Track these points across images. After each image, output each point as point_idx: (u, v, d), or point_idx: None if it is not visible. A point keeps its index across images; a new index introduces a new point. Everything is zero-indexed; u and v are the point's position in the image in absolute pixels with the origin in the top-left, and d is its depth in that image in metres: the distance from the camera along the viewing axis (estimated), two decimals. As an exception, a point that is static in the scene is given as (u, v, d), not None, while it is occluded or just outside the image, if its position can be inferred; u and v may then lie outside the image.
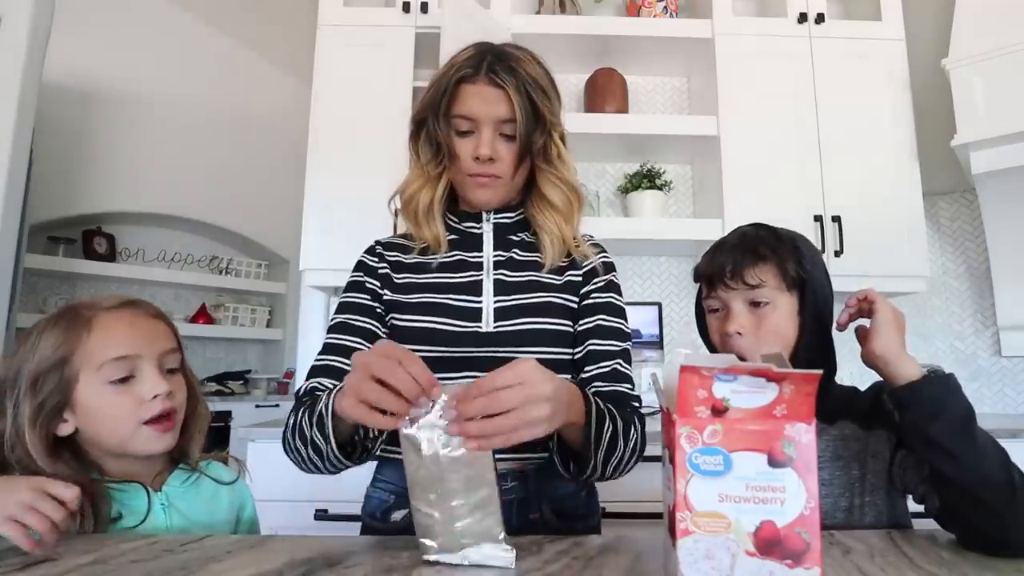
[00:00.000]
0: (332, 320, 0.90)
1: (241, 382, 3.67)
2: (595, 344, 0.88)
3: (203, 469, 0.87)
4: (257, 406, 3.36)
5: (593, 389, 0.85)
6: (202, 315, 3.60)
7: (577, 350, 0.89)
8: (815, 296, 0.85)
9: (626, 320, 0.92)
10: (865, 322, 0.78)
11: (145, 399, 0.77)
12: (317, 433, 0.72)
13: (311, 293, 2.24)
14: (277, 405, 3.44)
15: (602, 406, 0.75)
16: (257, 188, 3.74)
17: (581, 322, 0.90)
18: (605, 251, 0.97)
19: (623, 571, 0.58)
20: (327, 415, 0.70)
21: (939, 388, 0.69)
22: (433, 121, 0.87)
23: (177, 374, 0.84)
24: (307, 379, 0.86)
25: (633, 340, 2.22)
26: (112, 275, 3.25)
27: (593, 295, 0.91)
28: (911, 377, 0.70)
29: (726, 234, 0.93)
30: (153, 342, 0.80)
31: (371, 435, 0.77)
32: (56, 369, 0.75)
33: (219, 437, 2.95)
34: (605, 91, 2.26)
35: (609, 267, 0.95)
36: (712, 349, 0.93)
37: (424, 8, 2.10)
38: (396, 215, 1.66)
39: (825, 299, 0.87)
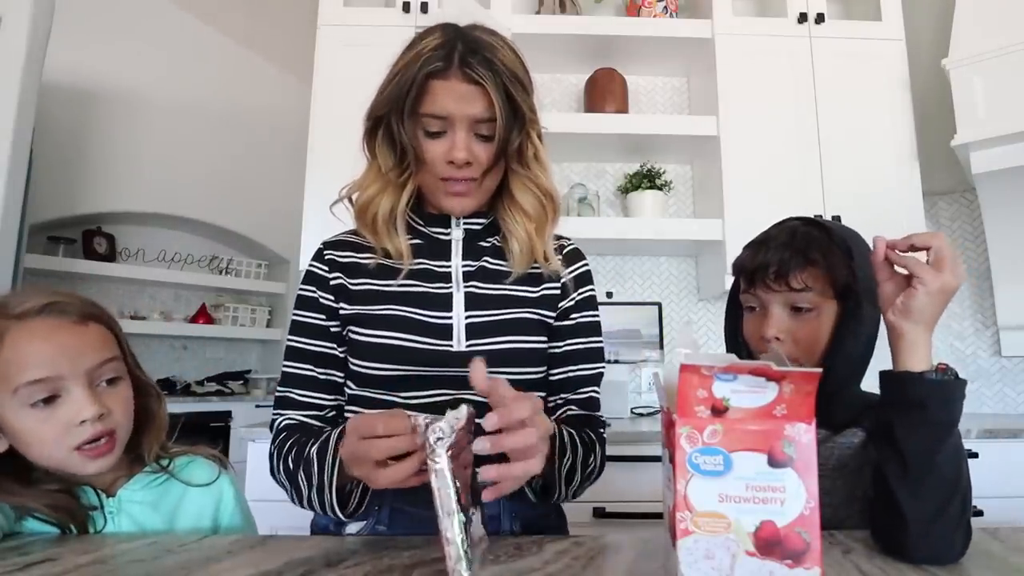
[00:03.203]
0: (287, 341, 0.85)
1: (241, 382, 3.67)
2: (573, 370, 0.86)
3: (175, 471, 0.78)
4: (257, 406, 3.35)
5: (567, 412, 0.86)
6: (202, 315, 3.60)
7: (554, 373, 0.86)
8: (862, 304, 0.77)
9: (601, 334, 0.90)
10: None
11: (72, 423, 0.68)
12: (316, 496, 0.72)
13: (311, 293, 2.24)
14: (277, 405, 3.43)
15: (565, 440, 0.74)
16: (257, 188, 3.74)
17: (559, 344, 0.86)
18: (583, 256, 0.91)
19: (623, 571, 0.58)
20: (330, 491, 0.70)
21: (927, 389, 0.62)
22: (397, 121, 0.77)
23: (118, 384, 0.74)
24: (275, 409, 0.84)
25: (632, 340, 2.25)
26: (112, 275, 3.25)
27: (572, 315, 0.87)
28: (912, 366, 0.64)
29: (771, 226, 0.86)
30: (78, 358, 0.69)
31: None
32: None
33: (219, 437, 2.96)
34: (605, 91, 2.26)
35: (587, 278, 0.90)
36: (737, 346, 0.88)
37: (424, 8, 2.10)
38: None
39: (875, 306, 0.79)
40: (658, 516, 0.52)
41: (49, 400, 0.68)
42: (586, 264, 0.91)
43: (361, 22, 2.13)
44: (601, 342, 0.90)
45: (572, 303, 0.87)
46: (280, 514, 1.53)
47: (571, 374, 0.86)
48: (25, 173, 1.95)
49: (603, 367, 0.90)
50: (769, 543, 0.46)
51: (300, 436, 0.77)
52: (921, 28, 2.23)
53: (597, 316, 0.90)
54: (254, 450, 1.66)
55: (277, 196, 3.59)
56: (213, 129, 3.60)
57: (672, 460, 0.48)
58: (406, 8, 2.11)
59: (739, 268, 0.85)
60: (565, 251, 0.90)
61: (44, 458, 0.70)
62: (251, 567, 0.59)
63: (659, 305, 2.28)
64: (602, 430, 0.87)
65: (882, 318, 0.70)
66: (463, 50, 0.75)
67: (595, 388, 0.88)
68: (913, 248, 0.66)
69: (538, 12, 2.32)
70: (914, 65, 2.15)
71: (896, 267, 0.69)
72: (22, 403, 0.67)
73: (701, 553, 0.46)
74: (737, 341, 0.89)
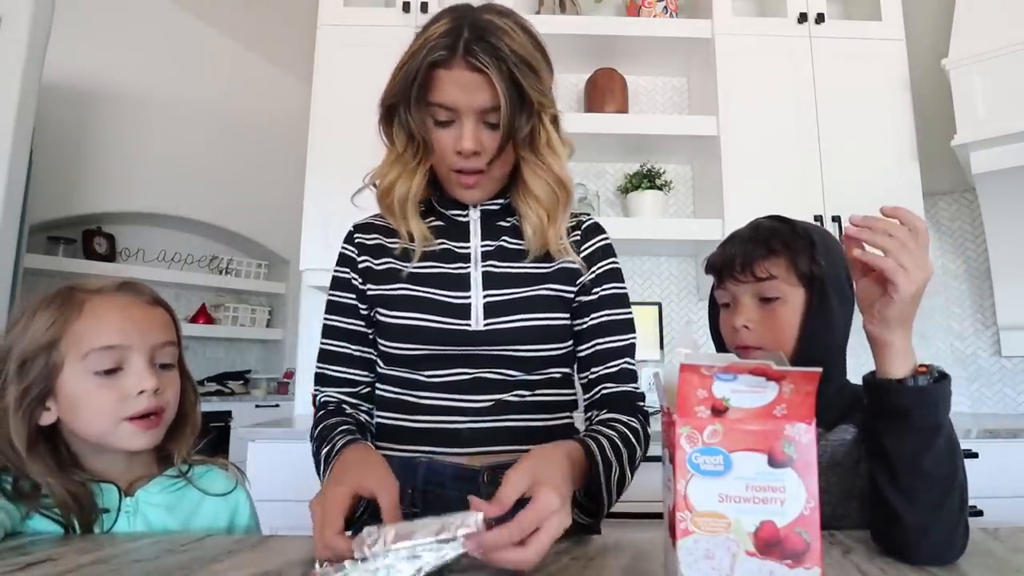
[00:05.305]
0: (324, 320, 0.88)
1: (241, 382, 3.67)
2: (602, 343, 0.85)
3: (193, 478, 0.80)
4: (257, 406, 3.36)
5: (602, 390, 0.84)
6: (202, 315, 3.61)
7: (582, 348, 0.86)
8: (828, 293, 0.79)
9: (630, 307, 0.88)
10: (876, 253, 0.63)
11: (130, 394, 0.72)
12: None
13: (311, 293, 2.24)
14: (277, 405, 3.44)
15: (608, 454, 0.70)
16: (257, 188, 3.75)
17: (585, 319, 0.85)
18: (603, 231, 0.90)
19: (623, 571, 0.58)
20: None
21: (908, 397, 0.61)
22: (405, 110, 0.77)
23: (171, 370, 0.78)
24: (315, 385, 0.88)
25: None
26: (112, 275, 3.25)
27: (594, 289, 0.86)
28: (893, 372, 0.63)
29: (742, 226, 0.88)
30: (147, 333, 0.75)
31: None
32: (43, 353, 0.70)
33: (219, 437, 2.96)
34: (605, 91, 2.26)
35: (609, 251, 0.88)
36: (719, 345, 0.89)
37: (424, 8, 2.10)
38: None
39: (843, 297, 0.81)
40: (658, 516, 0.52)
41: (111, 372, 0.72)
42: (606, 237, 0.89)
43: (361, 22, 2.13)
44: (630, 313, 0.87)
45: (593, 276, 0.86)
46: (280, 514, 1.53)
47: (599, 347, 0.85)
48: (25, 173, 1.96)
49: (634, 338, 0.87)
50: (769, 543, 0.46)
51: (328, 421, 0.81)
52: (921, 28, 2.23)
53: (623, 288, 0.88)
54: (254, 450, 1.66)
55: (277, 196, 3.59)
56: (213, 129, 3.61)
57: (672, 460, 0.48)
58: (406, 8, 2.11)
59: (710, 266, 0.88)
60: (584, 226, 0.89)
61: (93, 427, 0.72)
62: (251, 567, 0.59)
63: (659, 305, 2.28)
64: (641, 403, 0.85)
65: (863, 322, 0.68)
66: (468, 36, 0.73)
67: (628, 360, 0.86)
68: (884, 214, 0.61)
69: (538, 12, 2.32)
70: (914, 65, 2.15)
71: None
72: (87, 369, 0.71)
73: (701, 553, 0.46)
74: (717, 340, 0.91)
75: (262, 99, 3.81)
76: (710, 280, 0.91)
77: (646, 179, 2.23)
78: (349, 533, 0.58)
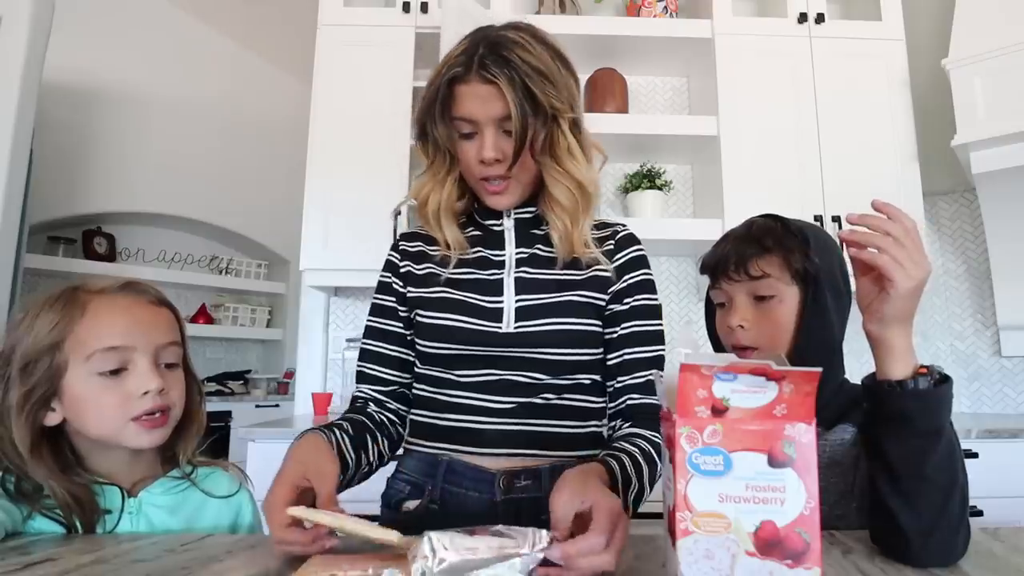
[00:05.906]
0: (367, 322, 0.93)
1: (241, 382, 3.66)
2: (629, 354, 0.85)
3: (197, 480, 0.80)
4: (257, 406, 3.36)
5: (627, 401, 0.85)
6: (202, 315, 3.60)
7: (611, 358, 0.86)
8: (823, 291, 0.79)
9: (660, 318, 0.88)
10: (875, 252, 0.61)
11: (134, 394, 0.72)
12: None
13: (311, 293, 2.24)
14: (277, 405, 3.44)
15: (629, 472, 0.71)
16: (257, 188, 3.75)
17: (614, 328, 0.86)
18: (637, 241, 0.92)
19: (623, 571, 0.57)
20: None
21: (909, 401, 0.60)
22: (431, 126, 0.83)
23: (176, 369, 0.78)
24: (355, 382, 0.92)
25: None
26: (112, 275, 3.24)
27: (625, 299, 0.87)
28: (893, 373, 0.61)
29: (736, 225, 0.89)
30: (150, 333, 0.75)
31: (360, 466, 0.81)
32: (47, 354, 0.71)
33: (219, 437, 2.96)
34: (605, 91, 2.26)
35: (642, 262, 0.90)
36: (716, 345, 0.90)
37: (424, 8, 2.10)
38: (396, 217, 1.67)
39: (838, 294, 0.81)
40: (658, 516, 0.52)
41: (116, 372, 0.72)
42: (640, 249, 0.92)
43: (361, 22, 2.13)
44: (659, 325, 0.88)
45: (624, 286, 0.87)
46: (280, 514, 1.52)
47: (627, 357, 0.85)
48: (25, 173, 1.95)
49: (662, 350, 0.87)
50: (769, 543, 0.46)
51: (333, 420, 0.84)
52: (921, 28, 2.23)
53: (654, 299, 0.89)
54: (254, 450, 1.66)
55: (277, 196, 3.59)
56: (213, 129, 3.60)
57: (672, 460, 0.48)
58: (406, 8, 2.11)
59: (704, 266, 0.89)
60: (619, 236, 0.92)
61: (99, 428, 0.72)
62: (251, 567, 0.59)
63: (659, 305, 2.28)
64: None
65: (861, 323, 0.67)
66: (483, 52, 0.78)
67: (654, 372, 0.86)
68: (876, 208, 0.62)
69: (538, 12, 2.32)
70: (914, 65, 2.15)
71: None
72: (91, 371, 0.71)
73: (701, 553, 0.46)
74: (714, 339, 0.91)
75: (262, 99, 3.80)
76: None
77: (646, 179, 2.23)
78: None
